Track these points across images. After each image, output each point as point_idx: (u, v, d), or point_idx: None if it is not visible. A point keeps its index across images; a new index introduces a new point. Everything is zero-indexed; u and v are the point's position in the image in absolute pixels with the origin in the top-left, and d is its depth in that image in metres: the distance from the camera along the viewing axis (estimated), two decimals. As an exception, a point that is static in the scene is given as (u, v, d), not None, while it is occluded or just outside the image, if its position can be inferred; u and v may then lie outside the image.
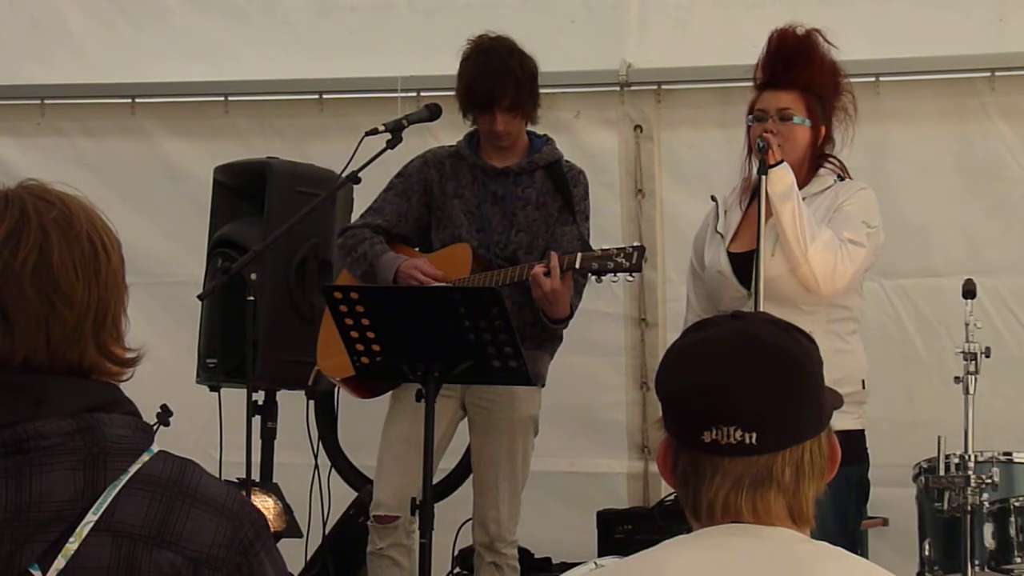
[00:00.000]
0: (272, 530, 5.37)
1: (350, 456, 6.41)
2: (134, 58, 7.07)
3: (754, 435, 2.09)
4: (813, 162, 5.03)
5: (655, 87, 6.60)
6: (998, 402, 5.74)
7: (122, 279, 2.10)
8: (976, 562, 4.94)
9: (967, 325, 4.97)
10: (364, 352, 5.10)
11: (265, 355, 5.78)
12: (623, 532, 6.05)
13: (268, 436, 5.99)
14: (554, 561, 6.29)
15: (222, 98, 7.01)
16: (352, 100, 6.83)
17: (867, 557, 5.29)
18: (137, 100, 7.09)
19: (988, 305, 5.98)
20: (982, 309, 5.38)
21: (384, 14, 6.82)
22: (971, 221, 6.27)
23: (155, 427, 4.91)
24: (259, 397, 5.87)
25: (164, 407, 5.13)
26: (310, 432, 6.00)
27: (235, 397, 5.68)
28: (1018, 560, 4.96)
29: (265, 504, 5.68)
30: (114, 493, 2.01)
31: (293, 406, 6.04)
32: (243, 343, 5.52)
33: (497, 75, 5.41)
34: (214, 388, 5.94)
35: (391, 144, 5.42)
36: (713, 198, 5.18)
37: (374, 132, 5.39)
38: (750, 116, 5.03)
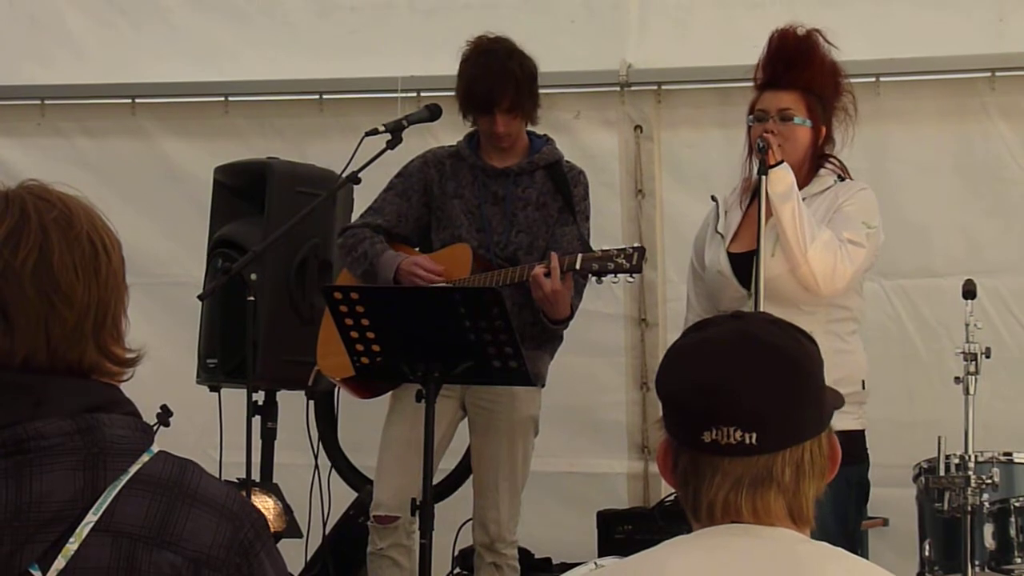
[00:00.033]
0: (272, 530, 5.36)
1: (350, 456, 6.41)
2: (134, 58, 7.07)
3: (754, 435, 2.09)
4: (813, 162, 5.03)
5: (655, 87, 6.60)
6: (998, 402, 5.74)
7: (122, 279, 2.10)
8: (976, 562, 4.94)
9: (967, 325, 4.97)
10: (364, 352, 5.10)
11: (265, 355, 5.77)
12: (623, 532, 6.05)
13: (268, 436, 5.99)
14: (554, 561, 6.29)
15: (222, 98, 7.01)
16: (352, 100, 6.83)
17: (867, 557, 5.28)
18: (137, 100, 7.09)
19: (988, 305, 5.98)
20: (982, 309, 5.38)
21: (384, 14, 6.82)
22: (971, 221, 6.26)
23: (155, 427, 4.91)
24: (259, 397, 5.86)
25: (164, 407, 5.13)
26: (310, 432, 6.00)
27: (235, 397, 5.68)
28: (1018, 560, 4.96)
29: (265, 504, 5.68)
30: (114, 493, 2.00)
31: (293, 406, 6.03)
32: (243, 343, 5.52)
33: (497, 76, 5.41)
34: (214, 388, 5.95)
35: (391, 144, 5.42)
36: (713, 198, 5.18)
37: (374, 132, 5.39)
38: (750, 116, 5.03)
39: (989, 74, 6.20)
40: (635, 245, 5.30)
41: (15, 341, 2.03)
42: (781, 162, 4.82)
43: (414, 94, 6.55)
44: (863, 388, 4.93)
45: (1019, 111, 6.22)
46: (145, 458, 2.05)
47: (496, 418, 5.48)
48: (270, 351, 5.82)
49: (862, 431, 4.94)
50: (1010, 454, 5.06)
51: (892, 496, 5.60)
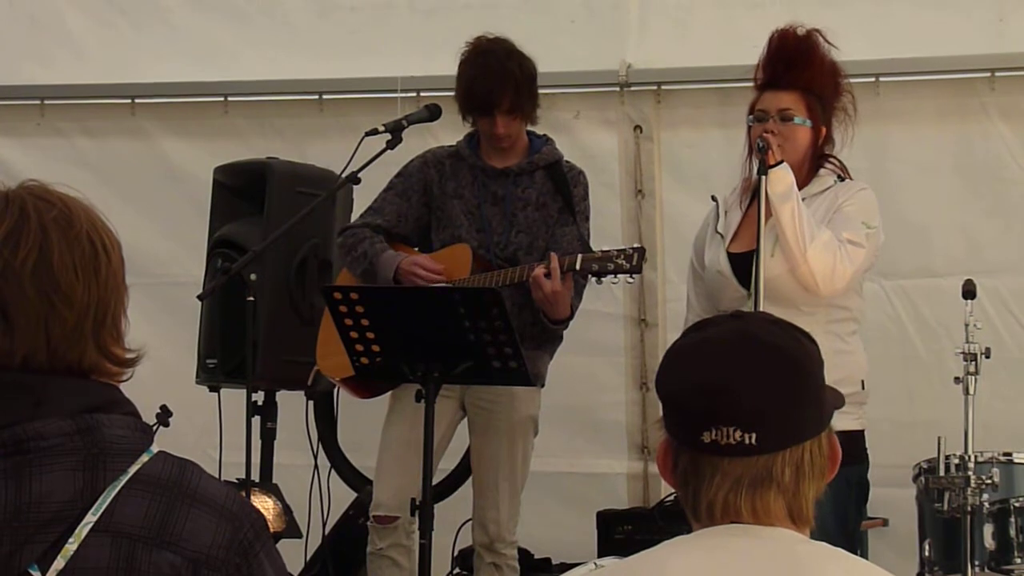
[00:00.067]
0: (272, 531, 5.37)
1: (349, 456, 6.41)
2: (134, 58, 7.07)
3: (754, 435, 2.09)
4: (813, 162, 5.03)
5: (655, 87, 6.60)
6: (998, 403, 5.74)
7: (122, 279, 2.10)
8: (976, 563, 4.94)
9: (967, 326, 4.97)
10: (364, 352, 5.10)
11: (265, 355, 5.77)
12: (623, 532, 6.05)
13: (268, 436, 5.99)
14: (554, 562, 6.29)
15: (222, 98, 7.00)
16: (352, 100, 6.83)
17: (867, 558, 5.29)
18: (137, 100, 7.09)
19: (988, 306, 5.98)
20: (982, 310, 5.38)
21: (384, 14, 6.82)
22: (971, 221, 6.27)
23: (155, 428, 4.91)
24: (259, 397, 5.86)
25: (164, 408, 5.13)
26: (310, 433, 6.00)
27: (235, 397, 5.67)
28: (1018, 561, 4.96)
29: (265, 505, 5.68)
30: (113, 494, 2.00)
31: (293, 406, 6.03)
32: (243, 343, 5.52)
33: (496, 78, 5.40)
34: (214, 388, 5.94)
35: (391, 144, 5.42)
36: (714, 198, 5.18)
37: (374, 132, 5.39)
38: (751, 116, 5.03)
39: (989, 74, 6.20)
40: (635, 246, 5.29)
41: (15, 341, 2.03)
42: (781, 162, 4.82)
43: (414, 94, 6.54)
44: (863, 388, 4.92)
45: (1019, 111, 6.22)
46: (145, 458, 2.04)
47: (496, 418, 5.48)
48: (270, 351, 5.82)
49: (862, 431, 4.94)
50: (1010, 454, 5.06)
51: (892, 496, 5.60)
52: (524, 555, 5.82)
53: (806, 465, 2.13)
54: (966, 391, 4.92)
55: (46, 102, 7.16)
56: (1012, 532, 4.97)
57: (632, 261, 5.20)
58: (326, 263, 6.05)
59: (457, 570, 6.14)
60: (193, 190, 6.69)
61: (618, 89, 6.59)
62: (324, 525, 6.00)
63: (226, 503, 2.05)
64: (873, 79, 6.17)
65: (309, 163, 6.32)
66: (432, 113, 5.60)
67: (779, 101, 4.98)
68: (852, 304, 5.02)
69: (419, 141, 5.85)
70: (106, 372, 2.09)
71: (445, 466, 5.86)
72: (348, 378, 5.40)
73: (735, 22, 6.35)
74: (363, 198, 5.76)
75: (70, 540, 1.98)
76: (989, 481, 4.92)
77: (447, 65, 5.63)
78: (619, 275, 5.23)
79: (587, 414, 6.61)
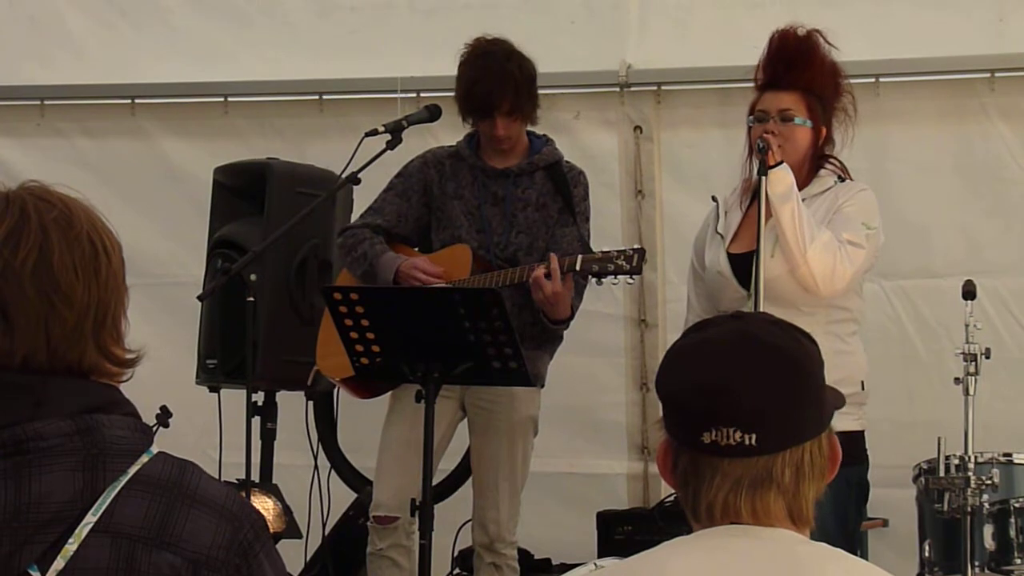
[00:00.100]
0: (272, 531, 5.37)
1: (349, 457, 6.41)
2: (134, 59, 7.07)
3: (754, 436, 2.09)
4: (814, 163, 5.03)
5: (655, 88, 6.60)
6: (998, 403, 5.74)
7: (122, 280, 2.10)
8: (976, 563, 4.94)
9: (967, 326, 4.97)
10: (364, 353, 5.10)
11: (265, 356, 5.77)
12: (623, 533, 6.05)
13: (268, 437, 5.99)
14: (554, 562, 6.29)
15: (222, 99, 7.00)
16: (352, 101, 6.82)
17: (867, 558, 5.30)
18: (137, 101, 7.09)
19: (988, 306, 5.98)
20: (982, 310, 5.38)
21: (384, 14, 6.82)
22: (971, 222, 6.27)
23: (154, 428, 4.91)
24: (259, 398, 5.86)
25: (164, 408, 5.13)
26: (309, 433, 6.00)
27: (235, 398, 5.67)
28: (1018, 561, 4.96)
29: (265, 505, 5.68)
30: (113, 494, 2.00)
31: (293, 407, 6.03)
32: (243, 344, 5.52)
33: (496, 79, 5.40)
34: (214, 389, 5.94)
35: (391, 145, 5.42)
36: (714, 198, 5.18)
37: (374, 133, 5.39)
38: (751, 117, 5.03)
39: (989, 75, 6.20)
40: (635, 247, 5.29)
41: (15, 341, 2.03)
42: (781, 163, 4.82)
43: (414, 94, 6.55)
44: (863, 389, 4.92)
45: (1019, 111, 6.22)
46: (144, 459, 2.04)
47: (495, 418, 5.48)
48: (270, 351, 5.82)
49: (862, 432, 4.94)
50: (1010, 455, 5.06)
51: (892, 497, 5.60)
52: (524, 555, 5.82)
53: (806, 466, 2.13)
54: (966, 391, 4.92)
55: (46, 102, 7.16)
56: (1012, 533, 4.97)
57: (632, 262, 5.20)
58: (326, 263, 6.05)
59: (457, 570, 6.14)
60: (193, 190, 6.69)
61: (618, 89, 6.59)
62: (324, 525, 6.00)
63: (226, 504, 2.05)
64: (873, 79, 6.17)
65: (309, 163, 6.32)
66: (432, 114, 5.60)
67: (779, 101, 4.98)
68: (852, 305, 5.02)
69: (419, 141, 5.85)
70: (106, 372, 2.09)
71: (445, 466, 5.86)
72: (348, 378, 5.40)
73: (735, 22, 6.35)
74: (363, 198, 5.76)
75: (70, 540, 1.98)
76: (989, 482, 4.92)
77: (447, 65, 5.63)
78: (619, 276, 5.23)
79: (587, 414, 6.61)
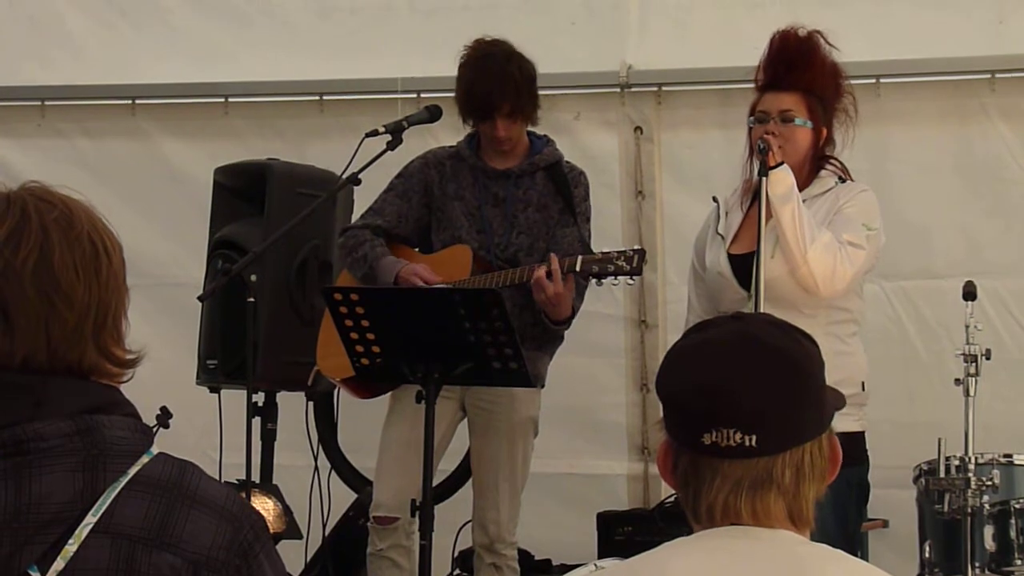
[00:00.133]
0: (272, 532, 5.37)
1: (349, 457, 6.41)
2: (134, 59, 7.07)
3: (754, 437, 2.09)
4: (814, 164, 5.03)
5: (655, 88, 6.60)
6: (998, 404, 5.74)
7: (123, 280, 2.10)
8: (976, 564, 4.94)
9: (967, 327, 4.97)
10: (364, 353, 5.10)
11: (265, 356, 5.77)
12: (623, 534, 6.05)
13: (268, 437, 5.98)
14: (554, 563, 6.29)
15: (222, 99, 7.00)
16: (352, 101, 6.82)
17: (867, 559, 5.30)
18: (137, 101, 7.09)
19: (988, 307, 5.98)
20: (982, 311, 5.39)
21: (384, 15, 6.82)
22: (971, 222, 6.27)
23: (155, 429, 4.91)
24: (259, 398, 5.86)
25: (164, 409, 5.13)
26: (310, 434, 6.00)
27: (235, 398, 5.67)
28: (1018, 562, 4.96)
29: (265, 506, 5.68)
30: (113, 495, 2.00)
31: (293, 407, 6.03)
32: (243, 344, 5.52)
33: (496, 81, 5.39)
34: (214, 389, 5.94)
35: (391, 145, 5.42)
36: (715, 199, 5.18)
37: (374, 133, 5.39)
38: (751, 118, 5.03)
39: (989, 75, 6.20)
40: (635, 247, 5.29)
41: (15, 341, 2.03)
42: (781, 163, 4.82)
43: (414, 95, 6.55)
44: (863, 390, 4.92)
45: (1019, 112, 6.22)
46: (144, 459, 2.04)
47: (496, 419, 5.48)
48: (270, 352, 5.82)
49: (862, 432, 4.94)
50: (1010, 456, 5.06)
51: (892, 498, 5.60)
52: (524, 556, 5.82)
53: (806, 467, 2.13)
54: (966, 392, 4.92)
55: (46, 103, 7.16)
56: (1012, 534, 4.97)
57: (632, 263, 5.20)
58: (326, 264, 6.05)
59: (457, 571, 6.14)
60: (193, 191, 6.69)
61: (618, 90, 6.60)
62: (324, 526, 6.00)
63: (226, 504, 2.05)
64: (874, 80, 6.17)
65: (309, 164, 6.32)
66: (432, 114, 5.60)
67: (780, 102, 4.98)
68: (852, 305, 5.02)
69: (419, 142, 5.85)
70: (106, 373, 2.08)
71: (445, 467, 5.85)
72: (348, 379, 5.40)
73: (735, 23, 6.35)
74: (363, 199, 5.76)
75: (70, 541, 1.98)
76: (989, 482, 4.92)
77: (447, 66, 5.63)
78: (619, 277, 5.23)
79: (587, 415, 6.61)
